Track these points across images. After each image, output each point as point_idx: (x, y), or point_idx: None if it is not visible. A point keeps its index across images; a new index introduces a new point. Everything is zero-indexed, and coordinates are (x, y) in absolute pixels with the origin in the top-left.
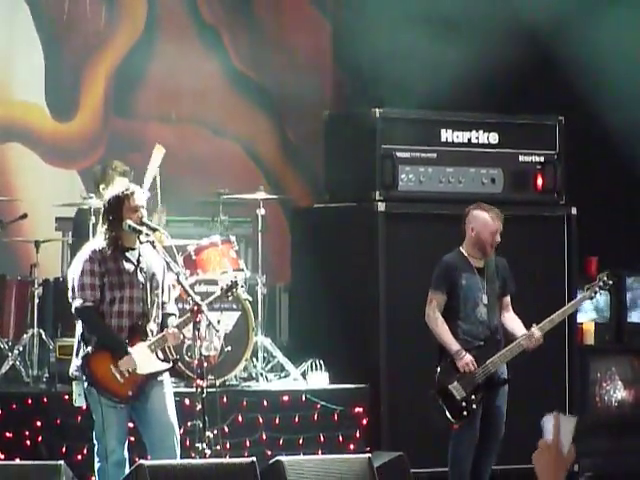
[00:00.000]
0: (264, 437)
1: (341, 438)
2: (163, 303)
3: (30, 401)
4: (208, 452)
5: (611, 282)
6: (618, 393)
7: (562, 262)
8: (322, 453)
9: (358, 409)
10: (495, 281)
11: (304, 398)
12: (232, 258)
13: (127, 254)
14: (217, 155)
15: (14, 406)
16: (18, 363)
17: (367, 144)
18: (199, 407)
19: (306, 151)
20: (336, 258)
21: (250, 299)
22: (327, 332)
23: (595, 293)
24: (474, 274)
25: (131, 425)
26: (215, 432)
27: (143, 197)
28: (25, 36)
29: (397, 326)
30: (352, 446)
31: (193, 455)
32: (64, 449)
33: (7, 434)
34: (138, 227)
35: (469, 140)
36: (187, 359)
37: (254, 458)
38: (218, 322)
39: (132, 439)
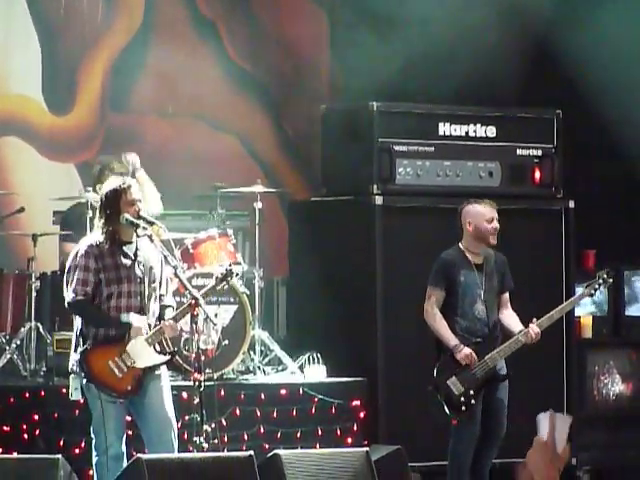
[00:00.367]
0: (262, 430)
1: (339, 431)
2: (160, 296)
3: (27, 395)
4: (206, 446)
5: (611, 280)
6: (616, 386)
7: (560, 256)
8: (320, 447)
9: (356, 402)
10: (494, 278)
11: (302, 391)
12: (229, 251)
13: (124, 248)
14: (214, 149)
15: (11, 400)
16: (15, 357)
17: (364, 138)
18: (197, 401)
19: (303, 144)
20: (333, 251)
21: (247, 292)
22: (324, 325)
23: (595, 290)
24: (472, 270)
25: (129, 419)
26: (213, 426)
27: (139, 191)
28: (22, 30)
29: (394, 319)
30: (350, 439)
31: (191, 449)
32: (62, 443)
33: (4, 428)
34: (135, 221)
35: (467, 133)
36: (185, 353)
37: (252, 452)
38: (215, 315)
39: (130, 433)
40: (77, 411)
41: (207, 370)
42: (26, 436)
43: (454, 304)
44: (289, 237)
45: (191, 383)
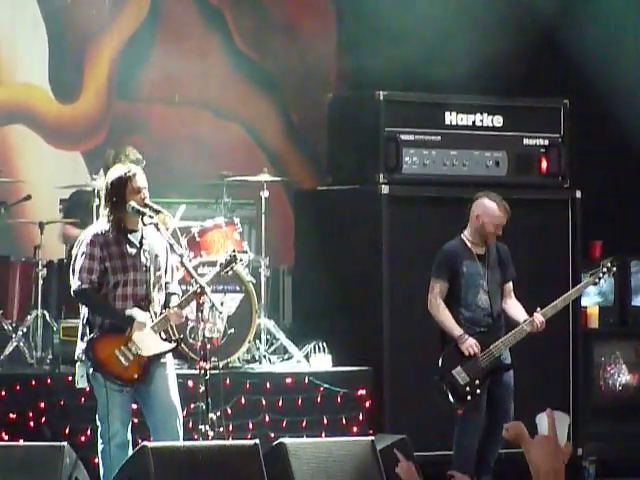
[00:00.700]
0: (267, 419)
1: (344, 421)
2: (166, 284)
3: (34, 382)
4: (211, 434)
5: (614, 268)
6: (622, 377)
7: (566, 246)
8: (325, 435)
9: (361, 392)
10: (496, 268)
11: (307, 380)
12: (236, 240)
13: (130, 236)
14: (221, 137)
15: (18, 387)
16: (22, 344)
17: (371, 127)
18: (202, 389)
19: (310, 134)
20: (339, 241)
21: (253, 281)
22: (330, 314)
23: (599, 279)
24: (475, 261)
25: (135, 407)
26: (218, 414)
27: (144, 178)
28: (29, 18)
29: (400, 308)
30: (355, 429)
31: (196, 437)
32: (67, 430)
33: (11, 415)
34: (142, 209)
35: (473, 123)
36: (190, 341)
37: (257, 440)
38: (221, 304)
39: (135, 421)
40: (83, 399)
41: (213, 358)
42: (32, 424)
43: (457, 295)
44: (295, 226)
45: (197, 371)
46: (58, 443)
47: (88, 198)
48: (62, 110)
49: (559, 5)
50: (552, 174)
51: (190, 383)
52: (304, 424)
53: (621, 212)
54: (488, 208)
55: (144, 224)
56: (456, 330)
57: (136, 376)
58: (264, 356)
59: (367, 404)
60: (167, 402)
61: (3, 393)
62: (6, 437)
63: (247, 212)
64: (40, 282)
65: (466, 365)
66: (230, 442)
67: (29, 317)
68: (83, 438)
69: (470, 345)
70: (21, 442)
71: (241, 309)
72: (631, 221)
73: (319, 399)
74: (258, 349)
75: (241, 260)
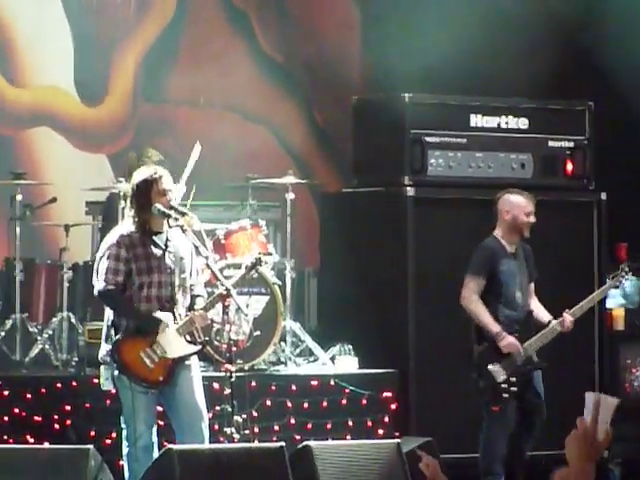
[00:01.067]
0: (292, 422)
1: (370, 423)
2: (191, 286)
3: (59, 385)
4: (237, 436)
5: (627, 269)
6: None
7: (591, 248)
8: (351, 438)
9: (387, 394)
10: (525, 267)
11: (333, 383)
12: (261, 242)
13: (155, 238)
14: (246, 140)
15: (43, 390)
16: (47, 347)
17: (396, 129)
18: (228, 391)
19: (335, 136)
20: (365, 243)
21: (279, 283)
22: (356, 317)
23: (620, 282)
24: (511, 259)
25: (160, 409)
26: (244, 416)
27: (171, 181)
28: (54, 21)
29: (426, 310)
30: (381, 431)
31: (222, 439)
32: (93, 433)
33: (36, 418)
34: (167, 211)
35: (499, 125)
36: (216, 343)
37: (283, 443)
38: (247, 306)
39: (161, 423)
40: (108, 401)
41: (238, 361)
42: (57, 426)
43: (497, 292)
44: (320, 228)
45: (222, 374)
46: (83, 446)
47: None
48: (87, 113)
49: (584, 7)
50: (577, 176)
51: (216, 385)
52: (329, 427)
53: None
54: (514, 201)
55: (170, 226)
56: (494, 326)
57: (161, 378)
58: (289, 358)
59: (393, 406)
60: (192, 404)
61: (29, 396)
62: (31, 440)
63: (272, 214)
64: (65, 285)
65: (503, 363)
66: (255, 445)
67: (54, 320)
68: (108, 441)
69: (509, 343)
70: (46, 445)
71: (267, 311)
72: None
73: (344, 401)
74: (283, 351)
75: (266, 263)
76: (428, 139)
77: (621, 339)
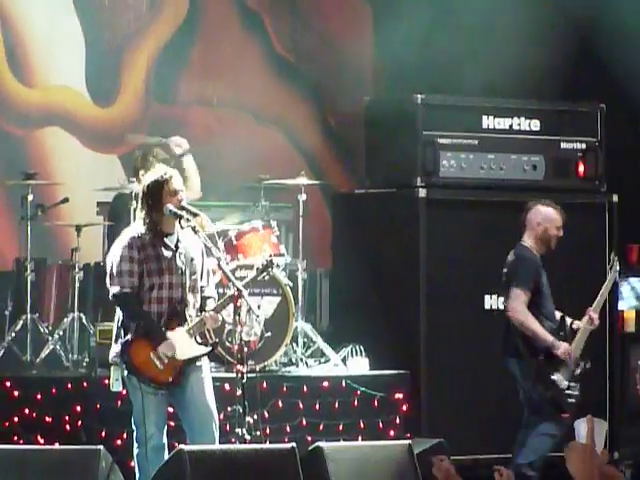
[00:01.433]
0: (304, 423)
1: (381, 424)
2: (202, 287)
3: (70, 385)
4: (248, 437)
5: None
6: None
7: (603, 250)
8: (362, 439)
9: (398, 395)
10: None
11: (344, 384)
12: (273, 243)
13: (165, 239)
14: (258, 141)
15: (54, 390)
16: (58, 347)
17: (408, 130)
18: (239, 392)
19: (347, 137)
20: (377, 244)
21: (291, 284)
22: (367, 318)
23: (617, 270)
24: (544, 270)
25: (170, 410)
26: (255, 417)
27: (181, 181)
28: (66, 20)
29: (438, 312)
30: (392, 432)
31: (233, 440)
32: (103, 434)
33: (47, 418)
34: (179, 212)
35: (511, 127)
36: (227, 344)
37: (294, 444)
38: (258, 307)
39: (172, 424)
40: (119, 402)
41: (250, 362)
42: (68, 427)
43: (539, 304)
44: (332, 229)
45: (234, 375)
46: (94, 447)
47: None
48: (99, 113)
49: (597, 9)
50: (589, 178)
51: (227, 386)
52: (341, 428)
53: None
54: (546, 213)
55: (181, 227)
56: (549, 336)
57: (171, 379)
58: (301, 359)
59: (404, 408)
60: (203, 405)
61: (39, 396)
62: (42, 440)
63: (284, 215)
64: (77, 285)
65: (561, 370)
66: (267, 445)
67: (66, 320)
68: (119, 441)
69: (565, 349)
70: (57, 446)
71: (278, 312)
72: None
73: (356, 403)
74: (295, 352)
75: (277, 265)
76: (440, 140)
77: (632, 340)
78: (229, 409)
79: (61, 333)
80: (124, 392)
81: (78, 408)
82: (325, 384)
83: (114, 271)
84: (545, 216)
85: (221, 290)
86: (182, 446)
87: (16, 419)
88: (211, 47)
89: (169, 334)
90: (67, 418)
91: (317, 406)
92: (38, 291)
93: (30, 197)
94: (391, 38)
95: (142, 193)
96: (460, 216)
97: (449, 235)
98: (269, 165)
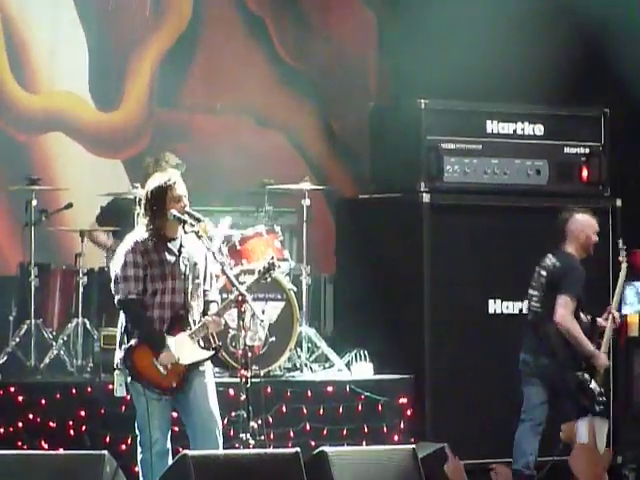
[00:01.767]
0: (308, 428)
1: (385, 429)
2: (205, 291)
3: (74, 391)
4: (252, 442)
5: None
6: None
7: (607, 254)
8: (366, 444)
9: (402, 400)
10: None
11: (348, 389)
12: (277, 248)
13: (169, 244)
14: (262, 146)
15: (58, 396)
16: (62, 353)
17: (412, 135)
18: (243, 397)
19: (351, 142)
20: (381, 249)
21: (295, 289)
22: (371, 323)
23: (627, 264)
24: None
25: (174, 415)
26: (259, 422)
27: (184, 186)
28: (69, 26)
29: (441, 317)
30: (396, 437)
31: (237, 445)
32: (108, 439)
33: (51, 424)
34: (182, 217)
35: (514, 131)
36: (231, 349)
37: (298, 449)
38: (262, 312)
39: (175, 429)
40: (123, 407)
41: (254, 367)
42: (72, 432)
43: (579, 311)
44: (336, 234)
45: (238, 380)
46: (98, 452)
47: (125, 206)
48: (102, 118)
49: (602, 13)
50: (593, 183)
51: (231, 391)
52: (345, 432)
53: None
54: (585, 220)
55: (185, 232)
56: (590, 347)
57: (175, 384)
58: (305, 364)
59: (408, 412)
60: (206, 410)
61: (43, 401)
62: (46, 446)
63: (288, 220)
64: (81, 290)
65: (596, 378)
66: (271, 450)
67: (70, 325)
68: (123, 447)
69: (604, 361)
70: (61, 451)
71: (282, 317)
72: None
73: (360, 407)
74: (299, 357)
75: (279, 267)
76: (444, 145)
77: (636, 345)
78: (233, 414)
79: (65, 338)
80: (128, 397)
81: (82, 413)
82: (329, 389)
83: (119, 277)
84: (584, 223)
85: (225, 295)
86: (186, 451)
87: (20, 424)
88: (214, 53)
89: (172, 339)
90: (71, 423)
91: (321, 411)
92: (42, 296)
93: (34, 202)
94: (395, 44)
95: (145, 199)
96: (464, 221)
97: (453, 240)
98: (273, 170)
